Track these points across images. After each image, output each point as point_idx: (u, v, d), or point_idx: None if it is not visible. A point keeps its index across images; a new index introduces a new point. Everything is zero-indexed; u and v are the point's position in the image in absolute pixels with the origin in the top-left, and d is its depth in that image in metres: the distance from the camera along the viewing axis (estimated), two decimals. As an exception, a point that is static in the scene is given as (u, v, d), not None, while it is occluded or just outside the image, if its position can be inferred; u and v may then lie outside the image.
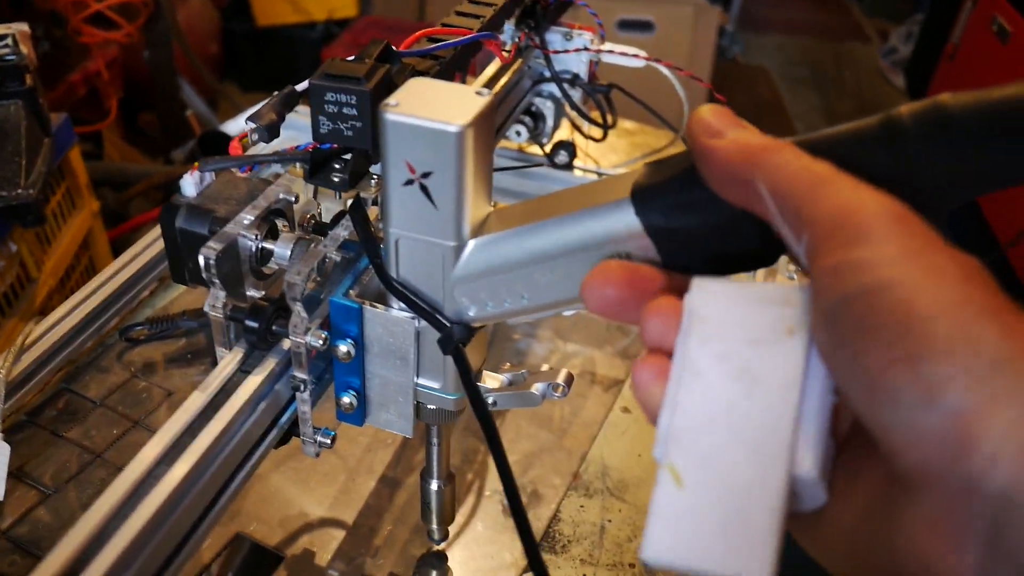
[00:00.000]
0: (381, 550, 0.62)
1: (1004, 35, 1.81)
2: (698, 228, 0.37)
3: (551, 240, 0.41)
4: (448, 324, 0.44)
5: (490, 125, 0.41)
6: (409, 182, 0.41)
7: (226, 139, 1.87)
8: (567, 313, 0.45)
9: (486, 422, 0.45)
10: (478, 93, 0.41)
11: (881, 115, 0.35)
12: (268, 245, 0.48)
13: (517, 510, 0.43)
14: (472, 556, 0.63)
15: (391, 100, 0.40)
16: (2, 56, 1.04)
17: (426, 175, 0.40)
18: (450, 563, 0.61)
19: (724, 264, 0.39)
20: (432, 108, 0.40)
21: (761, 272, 0.83)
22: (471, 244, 0.43)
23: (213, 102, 2.45)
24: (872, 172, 0.34)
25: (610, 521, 0.65)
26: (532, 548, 0.43)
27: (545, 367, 0.50)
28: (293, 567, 0.60)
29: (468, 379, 0.45)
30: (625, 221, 0.39)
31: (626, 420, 0.73)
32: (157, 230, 0.80)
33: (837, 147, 0.35)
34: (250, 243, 0.46)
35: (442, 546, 0.62)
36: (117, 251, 1.53)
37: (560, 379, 0.48)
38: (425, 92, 0.41)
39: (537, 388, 0.49)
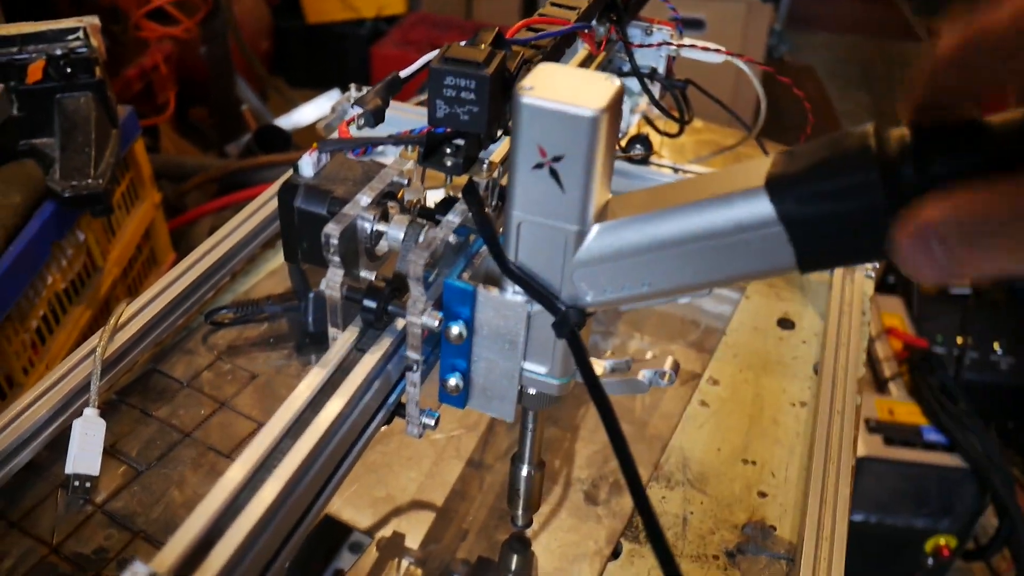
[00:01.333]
0: (470, 534, 0.62)
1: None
2: (833, 218, 0.37)
3: (679, 227, 0.41)
4: (565, 308, 0.45)
5: (619, 111, 0.42)
6: (539, 166, 0.41)
7: (281, 133, 1.90)
8: (682, 300, 0.45)
9: (604, 406, 0.45)
10: (607, 79, 0.41)
11: None
12: (381, 227, 0.48)
13: (642, 505, 0.43)
14: (556, 543, 0.63)
15: (526, 84, 0.41)
16: (74, 49, 1.06)
17: (557, 159, 0.41)
18: (537, 549, 0.62)
19: (856, 255, 0.39)
20: (567, 92, 0.40)
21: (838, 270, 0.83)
22: (595, 229, 0.43)
23: (263, 96, 2.48)
24: None
25: (692, 513, 0.65)
26: (663, 549, 0.42)
27: (650, 354, 0.50)
28: (384, 549, 0.61)
29: (585, 362, 0.45)
30: (758, 209, 0.39)
31: (704, 414, 0.73)
32: (240, 217, 0.82)
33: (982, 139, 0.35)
34: (367, 224, 0.47)
35: (527, 532, 0.63)
36: (175, 243, 1.56)
37: (667, 366, 0.49)
38: (557, 77, 0.41)
39: (644, 375, 0.49)
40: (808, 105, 0.83)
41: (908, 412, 1.48)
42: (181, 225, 1.61)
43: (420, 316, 0.45)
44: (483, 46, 0.49)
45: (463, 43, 0.50)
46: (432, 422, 0.50)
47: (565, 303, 0.45)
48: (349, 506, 0.64)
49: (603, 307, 0.46)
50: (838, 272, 0.83)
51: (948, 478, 1.41)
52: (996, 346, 1.78)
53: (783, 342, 0.81)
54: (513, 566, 0.62)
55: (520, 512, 0.59)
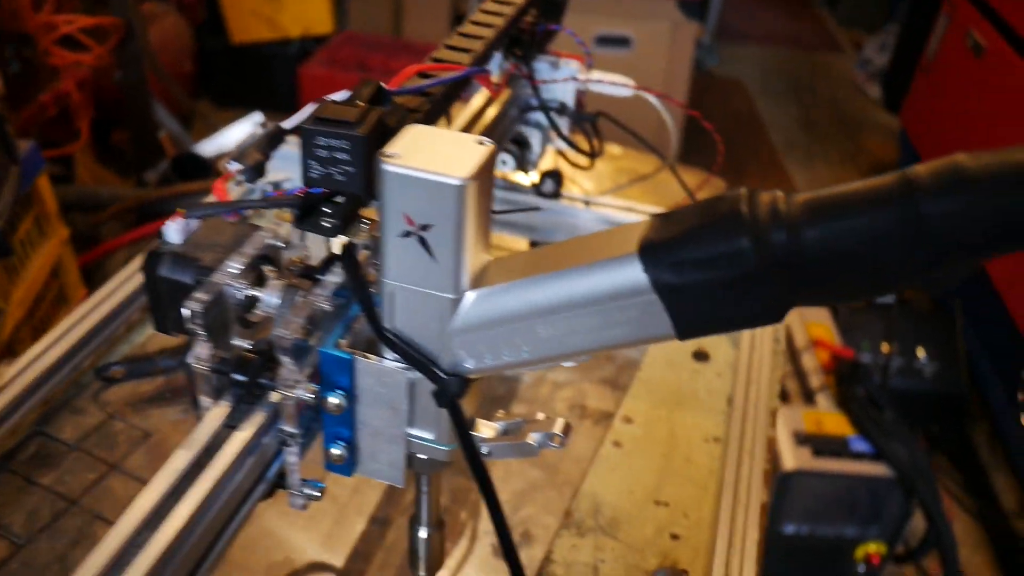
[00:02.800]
0: (371, 598, 0.60)
1: (979, 50, 1.84)
2: (708, 286, 0.36)
3: (554, 294, 0.40)
4: (444, 376, 0.43)
5: (490, 175, 0.40)
6: (407, 234, 0.40)
7: (199, 161, 1.85)
8: (566, 364, 0.44)
9: (482, 478, 0.43)
10: (479, 142, 0.40)
11: (898, 173, 0.34)
12: (255, 292, 0.46)
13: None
14: (464, 602, 0.61)
15: (389, 150, 0.39)
16: (-33, 82, 1.01)
17: (425, 227, 0.39)
18: (442, 609, 0.60)
19: (734, 322, 0.38)
20: (433, 159, 0.38)
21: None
22: (470, 296, 0.41)
23: (188, 120, 2.42)
24: (887, 229, 0.33)
25: (603, 561, 0.64)
26: None
27: (540, 415, 0.48)
28: (280, 618, 0.58)
29: (464, 433, 0.43)
30: (632, 277, 0.38)
31: (617, 455, 0.72)
32: (131, 267, 0.78)
33: (852, 205, 0.34)
34: (237, 292, 0.45)
35: (433, 592, 0.60)
36: (88, 276, 1.50)
37: (557, 428, 0.47)
38: (425, 141, 0.40)
39: (534, 438, 0.47)
40: (719, 137, 0.83)
41: (836, 423, 1.50)
42: (96, 258, 1.56)
43: (293, 390, 0.43)
44: (359, 103, 0.47)
45: (341, 96, 0.48)
46: (317, 493, 0.48)
47: (445, 371, 0.43)
48: (246, 572, 0.61)
49: (485, 374, 0.44)
50: (757, 333, 0.83)
51: (875, 487, 1.43)
52: (920, 352, 1.81)
53: (698, 375, 0.81)
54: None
55: (422, 574, 0.57)
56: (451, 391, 0.43)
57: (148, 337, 0.79)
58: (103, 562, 0.37)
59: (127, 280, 0.76)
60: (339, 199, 0.48)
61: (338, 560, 0.62)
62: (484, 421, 0.49)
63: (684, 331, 0.38)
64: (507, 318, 0.41)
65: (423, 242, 0.40)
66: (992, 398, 1.90)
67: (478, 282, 0.42)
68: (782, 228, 0.35)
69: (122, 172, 2.12)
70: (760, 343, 0.80)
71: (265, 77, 2.67)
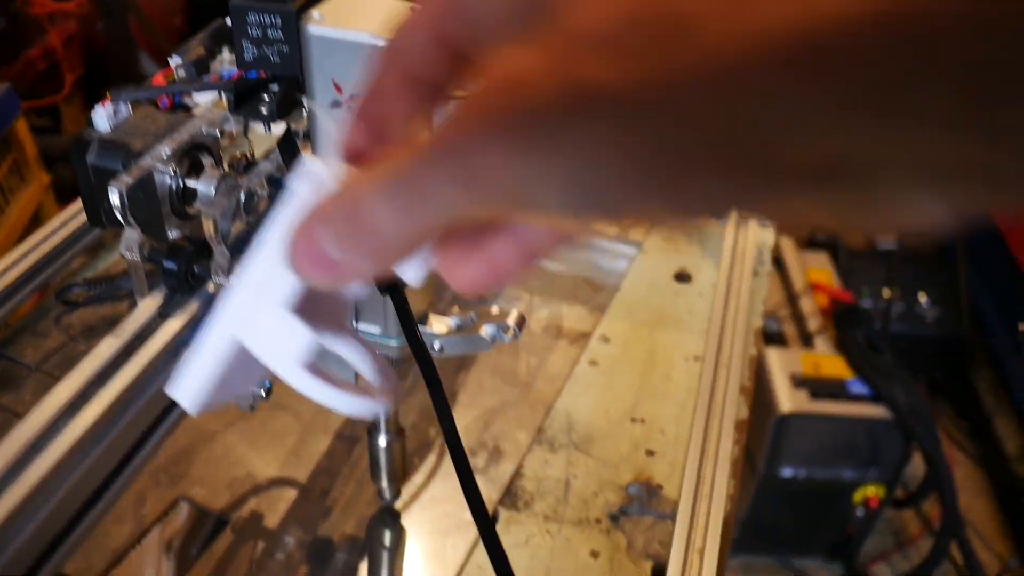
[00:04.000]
0: (334, 512, 0.59)
1: None
2: None
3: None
4: (384, 260, 0.41)
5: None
6: (337, 104, 0.37)
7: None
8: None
9: (428, 371, 0.41)
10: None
11: None
12: (190, 183, 0.44)
13: (464, 475, 0.40)
14: (430, 516, 0.60)
15: (315, 13, 0.37)
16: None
17: (355, 96, 0.37)
18: (408, 523, 0.58)
19: None
20: (360, 20, 0.36)
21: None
22: (405, 170, 0.39)
23: (177, 73, 2.39)
24: None
25: (575, 476, 0.62)
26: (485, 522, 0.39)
27: (495, 308, 0.46)
28: (240, 531, 0.57)
29: (407, 322, 0.41)
30: None
31: (592, 373, 0.70)
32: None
33: None
34: (168, 179, 0.43)
35: (398, 505, 0.59)
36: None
37: (511, 320, 0.45)
38: (354, 2, 0.37)
39: (486, 331, 0.45)
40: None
41: (834, 366, 1.47)
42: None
43: (227, 278, 0.41)
44: (294, -22, 0.44)
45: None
46: (263, 392, 0.46)
47: (386, 255, 0.41)
48: (206, 487, 0.60)
49: (427, 257, 0.42)
50: (731, 222, 0.80)
51: (873, 428, 1.41)
52: (922, 297, 1.78)
53: (679, 296, 0.79)
54: (386, 541, 0.58)
55: (385, 484, 0.56)
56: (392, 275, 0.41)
57: (113, 262, 0.77)
58: (19, 446, 0.35)
59: (90, 204, 0.74)
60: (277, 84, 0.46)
61: (301, 475, 0.61)
62: (436, 315, 0.47)
63: None
64: None
65: (353, 111, 0.37)
66: (996, 343, 1.87)
67: (416, 157, 0.39)
68: None
69: (113, 127, 2.09)
70: (740, 264, 0.77)
71: (257, 31, 2.63)
